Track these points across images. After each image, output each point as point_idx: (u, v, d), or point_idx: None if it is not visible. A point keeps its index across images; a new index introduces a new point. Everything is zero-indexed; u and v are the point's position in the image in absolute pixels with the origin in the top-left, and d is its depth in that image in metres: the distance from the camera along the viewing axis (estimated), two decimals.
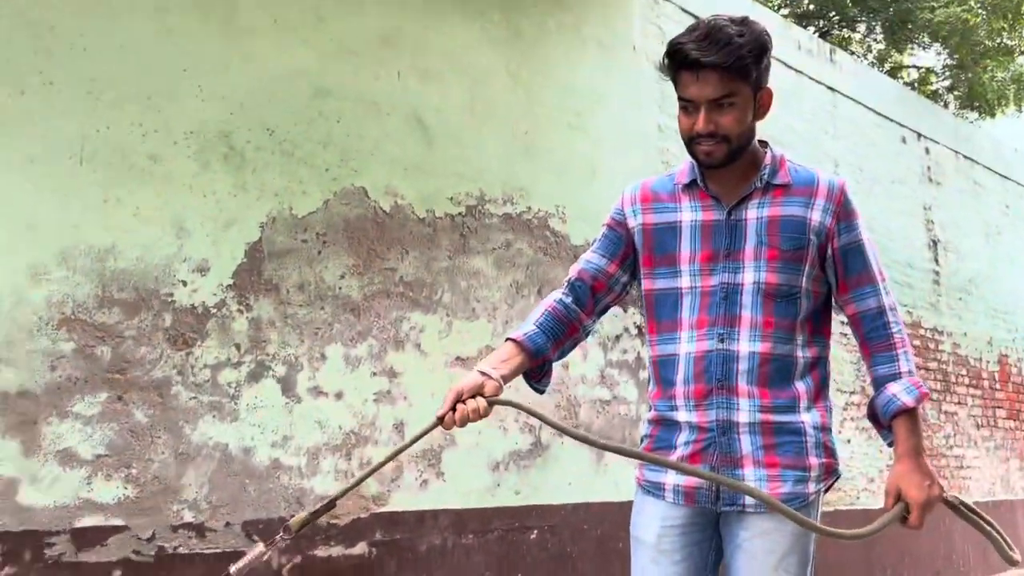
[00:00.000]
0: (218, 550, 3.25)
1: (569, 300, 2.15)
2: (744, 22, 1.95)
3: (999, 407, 7.93)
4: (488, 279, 4.28)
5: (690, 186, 2.09)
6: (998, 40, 10.68)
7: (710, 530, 2.04)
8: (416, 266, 4.02)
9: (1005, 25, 10.52)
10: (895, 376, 2.00)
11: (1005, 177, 8.58)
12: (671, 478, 2.03)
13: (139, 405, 3.20)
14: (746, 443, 1.98)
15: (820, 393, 2.06)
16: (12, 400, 2.97)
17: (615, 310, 4.48)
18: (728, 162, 1.99)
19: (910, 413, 1.98)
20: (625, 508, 2.18)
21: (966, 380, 7.51)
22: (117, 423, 3.15)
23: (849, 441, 6.18)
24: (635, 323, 4.84)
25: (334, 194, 3.80)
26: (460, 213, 4.22)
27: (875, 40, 12.20)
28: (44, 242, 3.10)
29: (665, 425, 2.06)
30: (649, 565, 2.04)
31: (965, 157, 8.06)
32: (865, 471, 6.30)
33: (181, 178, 3.41)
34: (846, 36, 12.18)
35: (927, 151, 7.59)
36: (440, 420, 1.96)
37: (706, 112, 1.93)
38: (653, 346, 2.11)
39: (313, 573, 3.49)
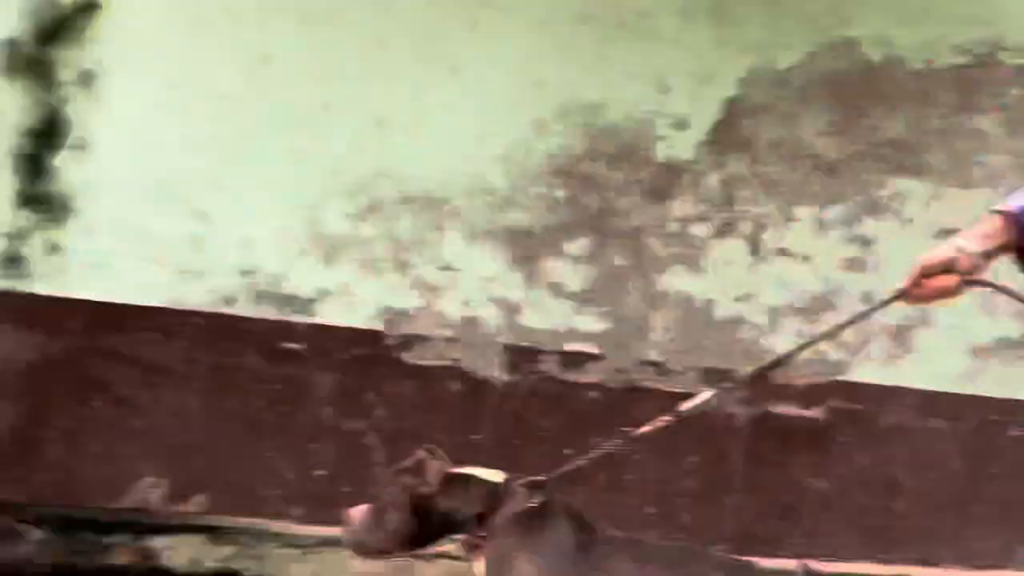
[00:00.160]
0: (677, 389, 3.52)
1: None
2: None
3: None
4: (994, 141, 3.77)
5: None
6: None
7: None
8: (905, 125, 3.69)
9: None
10: None
11: None
12: None
13: (617, 250, 3.52)
14: None
15: None
16: (519, 237, 3.47)
17: None
18: None
19: None
20: None
21: None
22: (598, 265, 3.51)
23: None
24: None
25: (819, 46, 3.61)
26: (965, 64, 3.72)
27: None
28: (547, 97, 3.47)
29: None
30: None
31: None
32: None
33: (665, 33, 3.51)
34: None
35: None
36: (902, 293, 1.85)
37: None
38: None
39: (767, 428, 3.61)
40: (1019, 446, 3.84)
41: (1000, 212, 1.85)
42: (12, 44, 3.09)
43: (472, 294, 3.42)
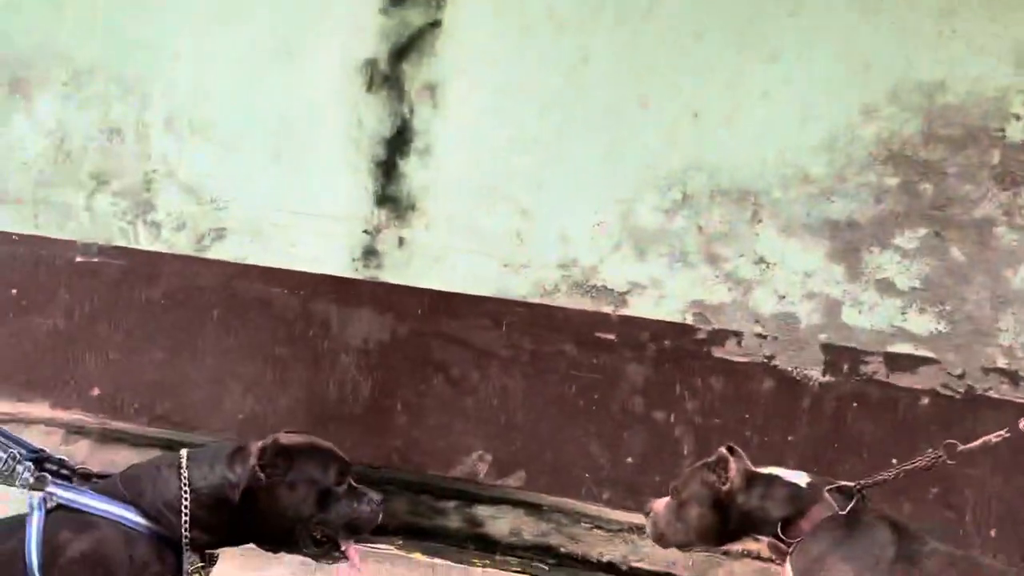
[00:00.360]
0: None
1: None
2: None
3: None
4: None
5: None
6: None
7: None
8: None
9: None
10: None
11: None
12: None
13: (957, 243, 3.18)
14: None
15: None
16: (841, 228, 3.27)
17: None
18: None
19: None
20: None
21: None
22: (934, 259, 3.20)
23: None
24: None
25: None
26: None
27: None
28: (877, 79, 3.22)
29: None
30: None
31: None
32: None
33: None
34: None
35: None
36: None
37: None
38: None
39: None
40: None
41: None
42: (372, 64, 3.54)
43: (788, 289, 3.30)
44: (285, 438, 2.10)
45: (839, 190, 3.26)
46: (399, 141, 3.53)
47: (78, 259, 3.72)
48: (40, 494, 1.94)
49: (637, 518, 3.01)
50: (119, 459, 3.38)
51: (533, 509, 3.51)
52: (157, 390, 3.70)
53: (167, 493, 1.99)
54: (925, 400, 3.22)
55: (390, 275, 3.56)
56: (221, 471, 2.02)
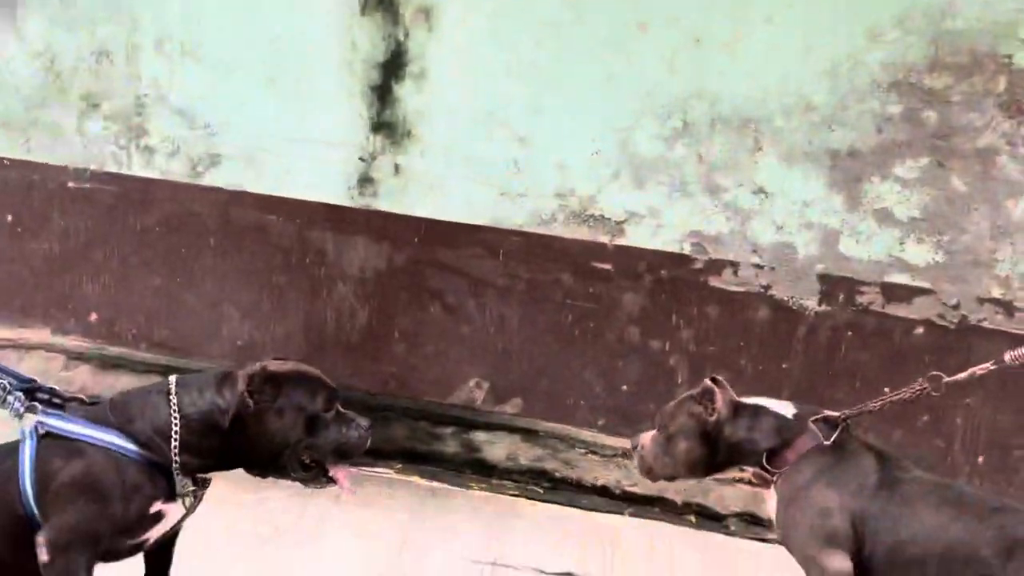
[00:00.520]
0: (1023, 332, 3.10)
1: None
2: None
3: None
4: None
5: None
6: None
7: None
8: None
9: None
10: None
11: None
12: None
13: (959, 172, 3.14)
14: None
15: None
16: (841, 158, 3.22)
17: None
18: None
19: None
20: None
21: None
22: (935, 188, 3.16)
23: None
24: None
25: None
26: None
27: None
28: (883, 3, 3.13)
29: None
30: None
31: None
32: None
33: None
34: None
35: None
36: None
37: None
38: None
39: None
40: None
41: None
42: None
43: (786, 219, 3.27)
44: (273, 365, 2.12)
45: (841, 118, 3.20)
46: (394, 65, 3.46)
47: (70, 184, 3.70)
48: (31, 423, 1.97)
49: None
50: (120, 385, 3.42)
51: (529, 435, 3.55)
52: (155, 316, 3.72)
53: (157, 419, 2.02)
54: (920, 330, 3.22)
55: (386, 203, 3.54)
56: (210, 397, 2.04)
